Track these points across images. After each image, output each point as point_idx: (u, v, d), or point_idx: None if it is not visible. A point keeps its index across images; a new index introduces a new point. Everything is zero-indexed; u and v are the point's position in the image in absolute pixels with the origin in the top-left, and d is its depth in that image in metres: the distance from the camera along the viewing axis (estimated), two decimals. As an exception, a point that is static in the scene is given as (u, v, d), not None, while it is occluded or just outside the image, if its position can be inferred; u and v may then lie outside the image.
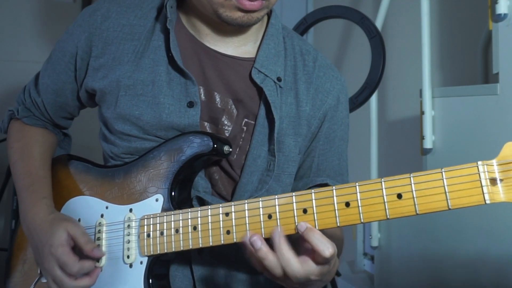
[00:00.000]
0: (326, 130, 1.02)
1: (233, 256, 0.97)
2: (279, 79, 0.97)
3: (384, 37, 1.69)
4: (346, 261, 2.35)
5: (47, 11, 2.48)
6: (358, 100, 1.70)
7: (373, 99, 2.01)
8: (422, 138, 1.67)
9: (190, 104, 0.93)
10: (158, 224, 0.88)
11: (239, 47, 0.98)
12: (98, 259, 0.92)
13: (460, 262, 1.55)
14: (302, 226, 0.74)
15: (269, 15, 1.03)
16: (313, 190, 0.76)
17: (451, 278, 1.58)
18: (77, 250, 0.91)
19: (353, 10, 1.74)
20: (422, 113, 1.68)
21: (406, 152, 2.13)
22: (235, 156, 0.96)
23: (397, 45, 2.23)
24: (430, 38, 1.71)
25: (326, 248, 0.72)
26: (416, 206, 0.69)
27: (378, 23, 1.92)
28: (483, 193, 0.66)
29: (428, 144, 1.66)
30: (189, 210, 0.85)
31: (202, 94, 0.96)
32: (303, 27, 1.87)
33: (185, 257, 0.95)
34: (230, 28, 0.95)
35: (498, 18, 1.44)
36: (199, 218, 0.84)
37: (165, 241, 0.86)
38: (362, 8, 2.20)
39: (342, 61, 2.68)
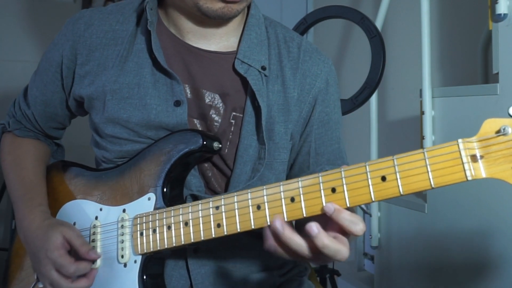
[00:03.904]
0: (319, 114, 1.02)
1: (230, 254, 0.98)
2: (263, 68, 0.97)
3: (384, 37, 1.69)
4: (346, 261, 2.35)
5: (47, 11, 2.48)
6: (358, 100, 1.69)
7: (373, 99, 2.01)
8: (422, 138, 1.67)
9: (177, 103, 0.94)
10: (150, 222, 0.88)
11: (221, 42, 0.99)
12: (93, 261, 0.92)
13: (460, 262, 1.55)
14: (330, 208, 0.71)
15: (248, 6, 1.02)
16: (299, 179, 0.76)
17: (451, 278, 1.58)
18: (73, 253, 0.91)
19: (353, 10, 1.74)
20: (422, 113, 1.67)
21: (406, 152, 2.13)
22: (226, 151, 0.97)
23: (397, 45, 2.23)
24: (430, 38, 1.71)
25: (359, 228, 0.71)
26: (400, 187, 0.70)
27: (378, 23, 1.92)
28: (464, 170, 0.67)
29: (428, 144, 1.65)
30: (180, 206, 0.86)
31: (189, 92, 0.96)
32: (303, 27, 1.86)
33: (181, 257, 0.96)
34: (210, 22, 0.95)
35: (498, 18, 1.43)
36: (190, 214, 0.84)
37: (157, 238, 0.87)
38: (362, 8, 2.20)
39: (342, 61, 2.68)
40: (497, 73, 1.45)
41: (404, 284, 1.80)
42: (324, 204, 0.73)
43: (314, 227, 0.70)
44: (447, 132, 1.62)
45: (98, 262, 0.93)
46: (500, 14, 1.42)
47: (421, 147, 1.70)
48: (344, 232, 0.72)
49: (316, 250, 0.71)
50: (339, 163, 1.05)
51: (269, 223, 0.77)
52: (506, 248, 1.40)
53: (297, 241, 0.72)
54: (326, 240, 0.70)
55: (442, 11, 2.06)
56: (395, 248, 1.85)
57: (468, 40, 1.97)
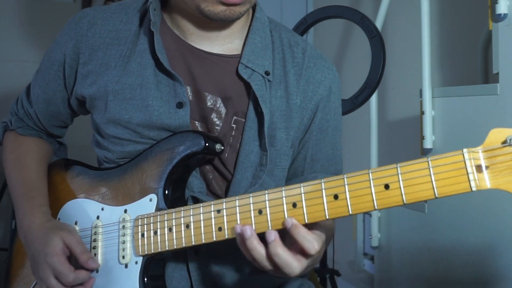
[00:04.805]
0: (319, 121, 1.01)
1: (230, 255, 0.97)
2: (267, 73, 0.96)
3: (384, 37, 1.69)
4: (346, 261, 2.35)
5: (47, 11, 2.48)
6: (358, 100, 1.69)
7: (373, 99, 2.01)
8: (422, 138, 1.67)
9: (179, 105, 0.93)
10: (152, 224, 0.88)
11: (224, 44, 0.97)
12: (93, 270, 0.92)
13: (461, 262, 1.55)
14: (288, 223, 0.75)
15: (253, 9, 1.01)
16: (302, 184, 0.75)
17: (451, 278, 1.58)
18: (72, 259, 0.91)
19: (353, 10, 1.74)
20: (422, 113, 1.67)
21: (406, 152, 2.13)
22: (226, 155, 0.96)
23: (397, 45, 2.23)
24: (430, 38, 1.71)
25: (311, 246, 0.75)
26: (403, 196, 0.69)
27: (378, 23, 1.92)
28: (469, 180, 0.66)
29: (428, 144, 1.65)
30: (182, 208, 0.85)
31: (190, 94, 0.96)
32: (303, 27, 1.86)
33: (182, 258, 0.95)
34: (213, 24, 0.94)
35: (498, 18, 1.43)
36: (191, 216, 0.84)
37: (158, 240, 0.87)
38: (362, 8, 2.20)
39: (342, 61, 2.68)
40: (497, 73, 1.45)
41: (404, 284, 1.80)
42: (326, 211, 0.74)
43: (272, 234, 0.75)
44: (447, 132, 1.62)
45: (100, 262, 0.93)
46: (500, 14, 1.42)
47: (421, 147, 1.71)
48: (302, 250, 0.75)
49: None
50: (331, 169, 1.04)
51: (270, 228, 0.77)
52: (506, 248, 1.40)
53: (258, 250, 0.76)
54: (279, 249, 0.74)
55: (442, 11, 2.06)
56: (395, 248, 1.85)
57: (468, 40, 1.97)
